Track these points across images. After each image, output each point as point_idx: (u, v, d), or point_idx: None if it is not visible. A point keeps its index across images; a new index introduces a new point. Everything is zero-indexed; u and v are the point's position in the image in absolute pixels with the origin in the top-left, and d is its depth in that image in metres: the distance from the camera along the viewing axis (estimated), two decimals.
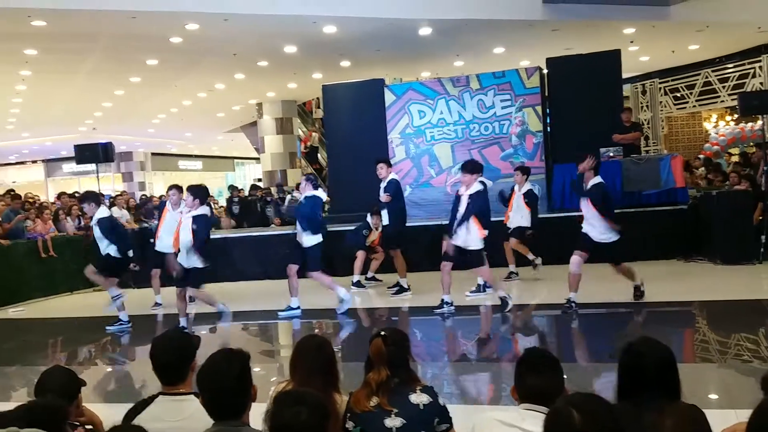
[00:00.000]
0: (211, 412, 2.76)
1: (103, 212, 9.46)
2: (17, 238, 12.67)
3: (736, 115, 19.79)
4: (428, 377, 5.95)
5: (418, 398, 3.06)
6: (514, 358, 2.96)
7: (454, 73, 16.43)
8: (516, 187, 10.67)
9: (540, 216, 10.99)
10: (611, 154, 12.23)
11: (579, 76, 13.53)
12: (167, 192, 10.18)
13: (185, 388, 3.16)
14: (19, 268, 12.41)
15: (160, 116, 23.81)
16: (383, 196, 10.26)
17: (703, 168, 16.23)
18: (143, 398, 3.22)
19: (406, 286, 10.36)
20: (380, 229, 10.98)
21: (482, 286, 9.74)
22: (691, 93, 20.74)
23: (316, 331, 9.11)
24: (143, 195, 23.32)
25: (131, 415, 3.13)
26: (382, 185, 10.32)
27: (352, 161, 14.12)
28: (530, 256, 10.69)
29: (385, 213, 10.41)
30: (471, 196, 8.66)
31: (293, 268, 9.36)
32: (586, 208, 8.23)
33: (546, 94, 14.13)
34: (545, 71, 14.31)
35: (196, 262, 8.52)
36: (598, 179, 8.24)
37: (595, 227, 8.18)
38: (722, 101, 19.99)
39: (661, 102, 21.65)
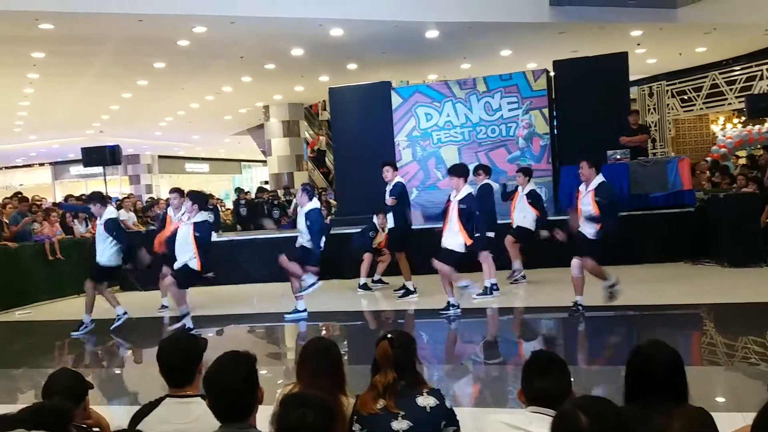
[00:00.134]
0: (217, 415, 2.75)
1: (111, 212, 9.63)
2: (24, 241, 12.71)
3: (743, 118, 19.76)
4: (434, 380, 5.95)
5: (425, 401, 3.05)
6: (521, 361, 2.95)
7: (461, 76, 16.42)
8: (519, 188, 10.65)
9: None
10: (618, 157, 12.20)
11: (586, 79, 13.52)
12: (169, 195, 10.36)
13: (192, 391, 3.16)
14: (26, 271, 12.43)
15: (167, 119, 23.87)
16: (389, 200, 10.26)
17: (708, 173, 16.18)
18: (150, 401, 3.21)
19: (412, 289, 10.35)
20: (387, 230, 10.97)
21: (489, 289, 9.73)
22: (698, 95, 20.70)
23: (323, 333, 9.09)
24: (150, 197, 23.36)
25: (138, 417, 3.13)
26: (388, 188, 10.32)
27: (358, 164, 14.13)
28: (516, 264, 10.69)
29: (390, 216, 10.42)
30: (461, 201, 8.66)
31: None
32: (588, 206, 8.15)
33: (553, 96, 14.12)
34: (552, 74, 14.30)
35: (189, 263, 8.62)
36: (600, 178, 8.17)
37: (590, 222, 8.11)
38: (729, 104, 19.96)
39: (668, 104, 21.61)
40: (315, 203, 9.67)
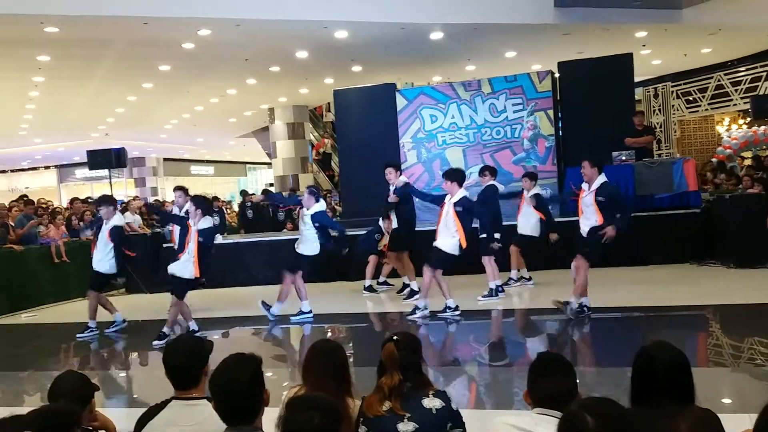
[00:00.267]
0: (223, 417, 2.76)
1: (119, 219, 9.56)
2: (30, 244, 12.73)
3: (748, 119, 19.71)
4: (440, 381, 5.94)
5: (431, 403, 3.05)
6: (527, 363, 2.95)
7: (466, 78, 16.42)
8: (525, 192, 10.62)
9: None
10: (624, 158, 12.18)
11: (591, 80, 13.49)
12: (173, 193, 10.32)
13: (198, 393, 3.16)
14: (32, 274, 12.45)
15: (172, 122, 23.92)
16: (391, 197, 10.27)
17: (710, 173, 16.16)
18: (156, 403, 3.22)
19: (416, 288, 10.33)
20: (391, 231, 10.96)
21: (494, 291, 9.72)
22: (703, 96, 20.66)
23: (329, 335, 9.10)
24: (155, 200, 23.40)
25: (144, 419, 3.14)
26: (392, 189, 10.32)
27: (363, 166, 14.11)
28: (513, 273, 10.68)
29: (394, 216, 10.43)
30: (456, 203, 8.66)
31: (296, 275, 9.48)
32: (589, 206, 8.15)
33: (558, 97, 14.10)
34: (557, 75, 14.28)
35: (186, 271, 8.57)
36: (603, 178, 8.15)
37: (590, 219, 8.11)
38: (735, 104, 19.92)
39: (673, 105, 21.57)
40: (321, 205, 9.66)
